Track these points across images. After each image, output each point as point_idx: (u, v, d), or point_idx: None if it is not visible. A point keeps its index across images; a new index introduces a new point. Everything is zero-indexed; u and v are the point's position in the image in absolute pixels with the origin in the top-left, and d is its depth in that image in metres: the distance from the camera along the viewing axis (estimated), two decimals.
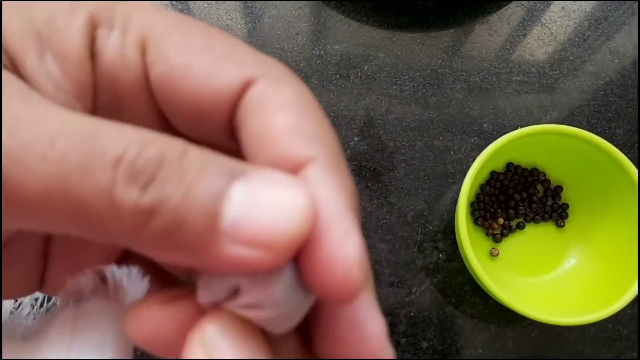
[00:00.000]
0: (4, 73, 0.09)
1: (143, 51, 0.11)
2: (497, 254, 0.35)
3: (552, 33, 0.41)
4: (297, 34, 0.39)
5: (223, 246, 0.09)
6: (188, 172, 0.09)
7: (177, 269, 0.14)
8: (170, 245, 0.09)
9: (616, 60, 0.41)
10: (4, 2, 0.10)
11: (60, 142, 0.08)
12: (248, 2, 0.39)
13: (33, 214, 0.09)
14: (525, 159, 0.36)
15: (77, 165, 0.08)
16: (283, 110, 0.10)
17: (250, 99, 0.10)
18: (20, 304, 0.18)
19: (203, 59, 0.11)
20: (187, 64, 0.10)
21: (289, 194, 0.09)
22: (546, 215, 0.36)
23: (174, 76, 0.10)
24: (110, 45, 0.11)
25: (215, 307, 0.10)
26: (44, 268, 0.13)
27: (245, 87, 0.10)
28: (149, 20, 0.11)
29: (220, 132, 0.11)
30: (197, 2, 0.39)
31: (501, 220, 0.35)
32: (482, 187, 0.36)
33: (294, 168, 0.10)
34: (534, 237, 0.36)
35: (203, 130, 0.11)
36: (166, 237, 0.09)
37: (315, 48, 0.39)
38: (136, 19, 0.11)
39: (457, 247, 0.35)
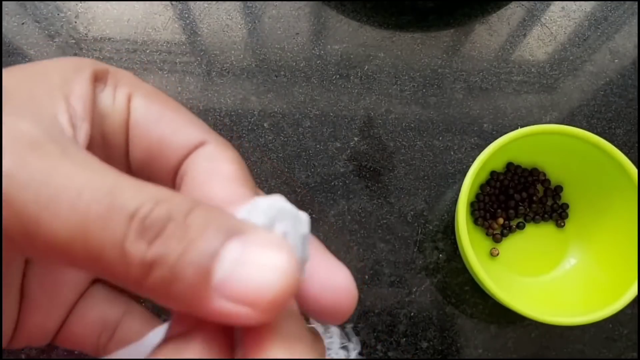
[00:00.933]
0: (51, 127, 0.11)
1: (129, 100, 0.14)
2: (497, 254, 0.35)
3: (552, 33, 0.41)
4: (297, 34, 0.39)
5: (212, 300, 0.10)
6: (189, 231, 0.10)
7: None
8: (168, 295, 0.10)
9: (616, 60, 0.41)
10: (32, 78, 0.13)
11: (87, 194, 0.10)
12: (248, 2, 0.39)
13: (55, 254, 0.10)
14: (525, 159, 0.36)
15: (98, 217, 0.10)
16: (228, 163, 0.13)
17: (201, 154, 0.13)
18: None
19: (174, 116, 0.14)
20: (160, 116, 0.14)
21: (276, 257, 0.10)
22: (546, 215, 0.36)
23: (148, 120, 0.14)
24: (105, 94, 0.13)
25: None
26: (18, 319, 0.15)
27: (198, 145, 0.14)
28: (135, 83, 0.14)
29: (163, 175, 0.14)
30: (197, 2, 0.39)
31: (501, 220, 0.35)
32: (482, 187, 0.36)
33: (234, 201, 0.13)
34: (534, 237, 0.36)
35: (150, 169, 0.14)
36: (164, 287, 0.10)
37: (315, 48, 0.39)
38: (125, 80, 0.14)
39: (457, 247, 0.35)
